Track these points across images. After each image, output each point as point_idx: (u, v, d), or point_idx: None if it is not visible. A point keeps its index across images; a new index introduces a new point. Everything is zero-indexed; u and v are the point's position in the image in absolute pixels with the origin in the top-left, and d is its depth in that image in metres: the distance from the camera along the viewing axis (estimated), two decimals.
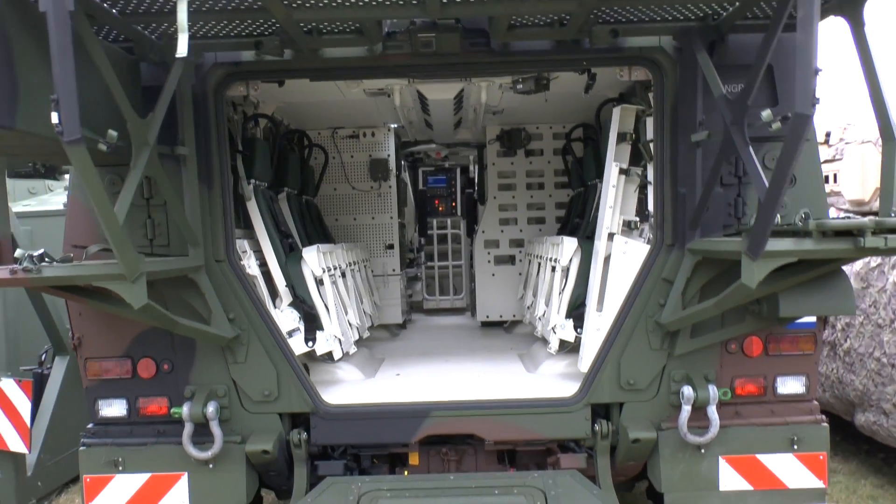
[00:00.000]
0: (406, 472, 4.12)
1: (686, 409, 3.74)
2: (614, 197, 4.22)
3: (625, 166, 4.33)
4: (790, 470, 3.87)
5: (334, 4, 3.00)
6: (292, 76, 3.85)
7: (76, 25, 2.61)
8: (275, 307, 4.23)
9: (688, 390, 3.74)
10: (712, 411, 3.74)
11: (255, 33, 3.43)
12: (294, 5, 3.00)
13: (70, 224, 3.78)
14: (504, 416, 3.95)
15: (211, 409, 3.73)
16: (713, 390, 3.75)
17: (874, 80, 3.11)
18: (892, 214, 3.13)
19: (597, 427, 3.89)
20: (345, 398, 4.11)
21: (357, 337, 5.00)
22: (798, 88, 2.45)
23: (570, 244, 4.36)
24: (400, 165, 6.94)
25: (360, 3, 3.00)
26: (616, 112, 4.40)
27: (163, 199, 3.65)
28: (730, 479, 3.86)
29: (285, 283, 4.29)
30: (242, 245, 4.07)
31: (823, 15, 3.25)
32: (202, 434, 3.78)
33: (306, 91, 4.60)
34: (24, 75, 2.61)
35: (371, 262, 6.45)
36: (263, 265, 4.33)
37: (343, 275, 4.97)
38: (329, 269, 4.53)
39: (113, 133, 2.91)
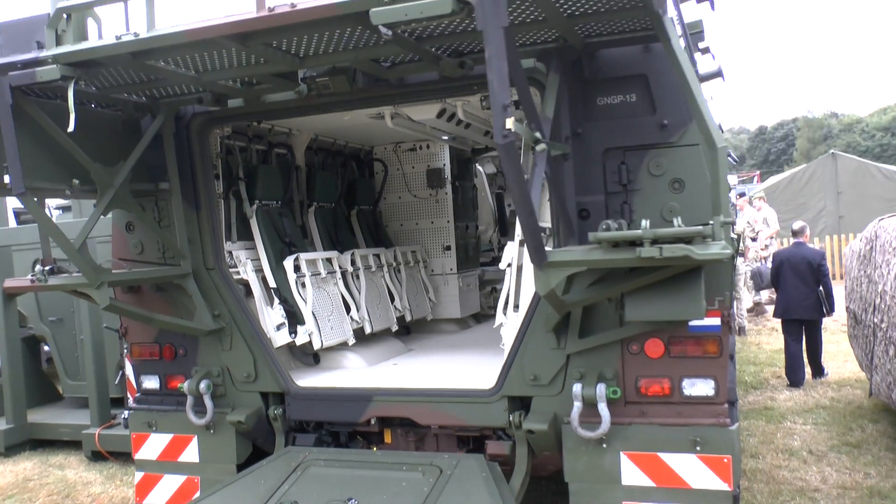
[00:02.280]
0: (375, 448, 4.80)
1: (577, 406, 3.96)
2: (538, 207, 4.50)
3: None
4: (693, 470, 3.91)
5: (225, 68, 3.78)
6: (249, 119, 4.71)
7: (23, 106, 3.64)
8: (271, 306, 5.13)
9: (577, 388, 3.97)
10: (602, 408, 3.93)
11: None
12: (198, 73, 3.82)
13: (114, 242, 4.99)
14: (435, 404, 4.46)
15: (203, 385, 4.73)
16: (601, 389, 3.93)
17: (689, 90, 3.19)
18: (722, 222, 3.22)
19: (511, 418, 4.26)
20: (314, 382, 4.90)
21: (369, 328, 5.81)
22: (494, 123, 2.74)
23: (510, 248, 4.69)
24: (469, 171, 7.52)
25: (243, 65, 3.74)
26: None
27: (168, 223, 4.72)
28: (632, 474, 4.00)
29: (274, 286, 5.17)
30: (239, 255, 5.03)
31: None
32: (203, 405, 4.80)
33: (328, 119, 5.45)
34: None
35: (430, 263, 7.14)
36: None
37: (356, 276, 5.79)
38: (318, 274, 5.35)
39: (76, 181, 3.98)
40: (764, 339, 12.62)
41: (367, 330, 5.84)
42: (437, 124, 5.54)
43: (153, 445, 5.03)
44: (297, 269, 5.24)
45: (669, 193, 3.80)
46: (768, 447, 6.85)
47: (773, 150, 62.04)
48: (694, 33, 4.88)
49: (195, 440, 4.92)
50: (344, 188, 6.66)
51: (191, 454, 4.93)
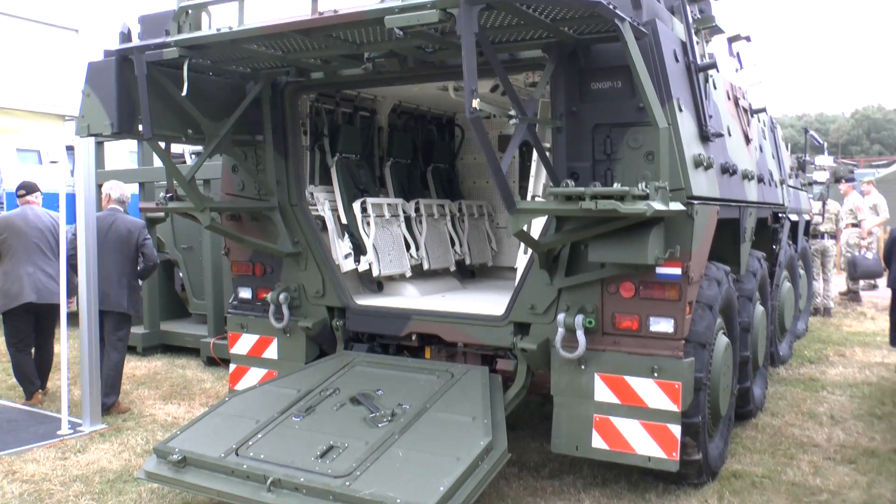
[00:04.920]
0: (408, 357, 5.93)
1: (560, 331, 4.90)
2: (536, 168, 5.44)
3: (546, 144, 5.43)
4: (650, 392, 4.77)
5: (302, 51, 4.91)
6: (329, 88, 5.88)
7: (154, 75, 4.91)
8: (341, 239, 6.32)
9: (561, 316, 4.90)
10: (580, 335, 4.84)
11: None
12: (283, 53, 4.98)
13: (223, 180, 6.31)
14: (458, 325, 5.51)
15: (282, 297, 5.99)
16: (579, 319, 4.85)
17: (640, 82, 4.06)
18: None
19: (515, 340, 5.25)
20: (369, 302, 6.06)
21: (427, 265, 6.92)
22: (465, 103, 3.73)
23: None
24: None
25: (315, 49, 4.86)
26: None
27: (263, 167, 5.97)
28: (602, 392, 4.91)
29: (345, 223, 6.34)
30: (319, 196, 6.24)
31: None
32: (282, 313, 6.06)
33: (404, 90, 6.57)
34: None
35: (496, 217, 8.16)
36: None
37: (419, 221, 6.93)
38: (382, 216, 6.52)
39: (189, 131, 5.27)
40: (846, 322, 12.80)
41: (426, 266, 6.96)
42: (492, 99, 6.49)
43: (244, 343, 6.37)
44: (364, 210, 6.41)
45: (644, 163, 4.64)
46: (792, 410, 7.41)
47: None
48: (707, 27, 5.62)
49: (275, 341, 6.21)
50: (420, 147, 7.76)
51: (271, 352, 6.24)
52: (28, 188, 7.57)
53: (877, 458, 5.99)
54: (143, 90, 4.72)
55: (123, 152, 12.64)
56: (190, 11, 4.62)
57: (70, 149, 7.25)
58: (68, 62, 6.29)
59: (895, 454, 6.07)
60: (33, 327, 7.43)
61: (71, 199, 6.60)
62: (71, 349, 7.21)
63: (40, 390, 7.50)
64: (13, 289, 7.18)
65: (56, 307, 7.09)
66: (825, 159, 12.84)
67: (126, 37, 4.94)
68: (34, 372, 7.47)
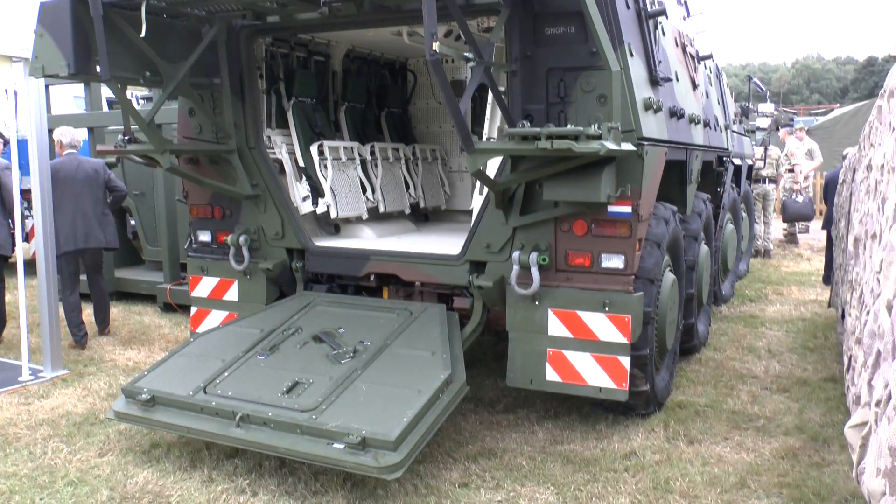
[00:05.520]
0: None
1: (515, 268, 5.09)
2: (491, 111, 5.62)
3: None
4: (601, 326, 5.02)
5: None
6: (284, 32, 5.89)
7: (111, 16, 4.88)
8: (299, 182, 6.39)
9: (516, 254, 5.09)
10: (535, 272, 5.04)
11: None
12: None
13: (179, 124, 6.29)
14: (415, 265, 5.67)
15: (242, 239, 6.06)
16: (533, 256, 5.05)
17: (592, 27, 4.19)
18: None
19: (471, 278, 5.44)
20: (328, 243, 6.18)
21: (383, 208, 7.05)
22: (426, 46, 3.83)
23: None
24: None
25: None
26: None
27: (220, 110, 5.97)
28: (556, 327, 5.14)
29: (302, 166, 6.41)
30: (276, 139, 6.28)
31: None
32: (242, 255, 6.14)
33: (357, 34, 6.59)
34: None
35: (449, 161, 8.28)
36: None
37: (374, 164, 7.02)
38: (339, 159, 6.60)
39: (147, 73, 5.25)
40: (785, 263, 13.35)
41: (381, 209, 7.08)
42: (448, 43, 6.57)
43: (204, 286, 6.44)
44: (321, 153, 6.47)
45: (596, 105, 4.80)
46: (733, 345, 7.82)
47: (880, 84, 59.63)
48: None
49: (235, 283, 6.30)
50: (374, 92, 7.81)
51: (232, 294, 6.33)
52: None
53: (808, 387, 6.40)
54: (99, 32, 4.68)
55: (68, 97, 12.33)
56: None
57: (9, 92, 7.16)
58: (17, 1, 6.15)
59: (825, 382, 6.49)
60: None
61: (21, 144, 6.52)
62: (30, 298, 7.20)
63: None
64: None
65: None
66: (767, 107, 13.20)
67: None
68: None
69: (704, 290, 7.57)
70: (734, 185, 9.87)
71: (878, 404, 2.35)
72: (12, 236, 7.28)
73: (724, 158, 8.61)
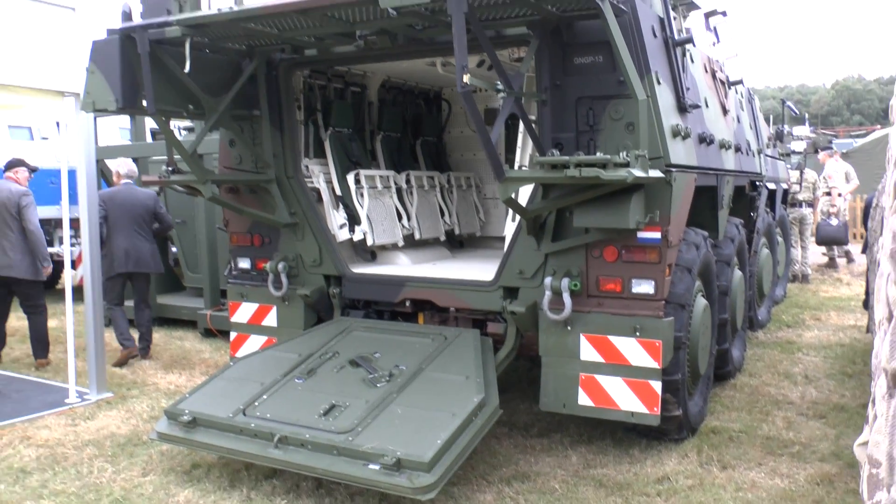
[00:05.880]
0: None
1: (547, 294, 5.17)
2: (522, 139, 5.72)
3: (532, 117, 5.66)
4: (632, 350, 5.07)
5: (297, 29, 5.10)
6: (322, 65, 6.08)
7: (157, 53, 5.11)
8: (336, 210, 6.56)
9: (548, 280, 5.18)
10: (566, 297, 5.11)
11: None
12: (280, 31, 5.17)
13: (220, 154, 6.51)
14: (450, 291, 5.78)
15: (281, 266, 6.22)
16: (565, 282, 5.12)
17: (620, 58, 4.30)
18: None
19: (504, 304, 5.53)
20: (365, 270, 6.32)
21: (418, 235, 7.17)
22: (457, 78, 3.97)
23: None
24: None
25: (311, 27, 5.06)
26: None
27: (260, 141, 6.18)
28: (588, 351, 5.20)
29: (339, 194, 6.58)
30: (314, 168, 6.46)
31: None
32: (280, 282, 6.30)
33: (392, 65, 6.77)
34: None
35: (483, 188, 8.42)
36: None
37: (410, 192, 7.16)
38: (375, 187, 6.75)
39: (190, 106, 5.47)
40: (823, 288, 13.17)
41: (417, 236, 7.22)
42: (480, 73, 6.72)
43: (244, 312, 6.62)
44: (357, 181, 6.64)
45: (625, 133, 4.90)
46: (769, 370, 7.76)
47: None
48: (684, 3, 5.87)
49: (274, 309, 6.46)
50: (409, 121, 7.99)
51: (270, 320, 6.49)
52: (8, 165, 8.01)
53: (846, 413, 6.34)
54: (146, 67, 4.91)
55: (114, 128, 12.76)
56: None
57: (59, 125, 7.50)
58: (66, 39, 6.44)
59: (863, 409, 6.42)
60: (5, 297, 7.97)
61: (70, 175, 6.79)
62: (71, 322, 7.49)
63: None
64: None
65: (24, 281, 7.69)
66: (803, 129, 13.18)
67: (128, 16, 5.12)
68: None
69: (739, 315, 7.55)
70: (769, 210, 9.84)
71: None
72: (38, 262, 7.65)
73: (758, 183, 8.61)
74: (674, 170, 4.91)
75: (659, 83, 4.91)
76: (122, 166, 8.27)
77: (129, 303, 8.36)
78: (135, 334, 8.28)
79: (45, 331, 7.93)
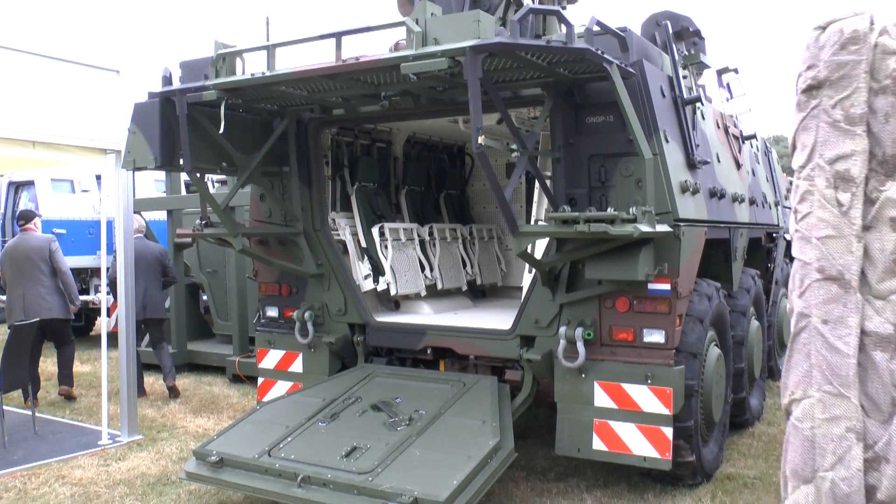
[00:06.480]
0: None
1: (562, 343, 5.36)
2: (538, 194, 5.97)
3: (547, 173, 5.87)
4: (644, 397, 5.22)
5: (325, 91, 5.44)
6: (349, 125, 6.43)
7: (193, 114, 5.46)
8: (361, 261, 6.83)
9: (562, 329, 5.38)
10: (580, 346, 5.29)
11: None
12: (309, 93, 5.51)
13: (251, 208, 6.85)
14: (469, 339, 5.99)
15: (307, 315, 6.48)
16: (578, 331, 5.31)
17: (627, 117, 4.56)
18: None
19: (521, 352, 5.72)
20: (388, 319, 6.55)
21: (440, 285, 7.41)
22: (472, 139, 4.26)
23: None
24: None
25: (337, 90, 5.39)
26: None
27: (289, 196, 6.50)
28: (601, 398, 5.36)
29: (364, 246, 6.86)
30: (340, 221, 6.76)
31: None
32: (306, 330, 6.55)
33: (416, 123, 7.13)
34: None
35: (505, 239, 8.67)
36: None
37: (433, 244, 7.43)
38: (399, 239, 7.02)
39: (224, 164, 5.81)
40: None
41: (439, 286, 7.46)
42: (498, 130, 7.01)
43: (271, 358, 6.87)
44: (382, 234, 6.93)
45: (635, 189, 5.13)
46: None
47: None
48: (694, 63, 6.15)
49: (300, 356, 6.70)
50: (433, 175, 8.31)
51: (296, 366, 6.73)
52: (26, 217, 8.54)
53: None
54: (183, 128, 5.27)
55: (149, 181, 13.26)
56: (226, 58, 5.18)
57: (98, 178, 7.91)
58: (110, 100, 6.88)
59: None
60: (41, 340, 8.37)
61: (106, 225, 7.18)
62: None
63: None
64: (11, 309, 8.26)
65: (57, 320, 8.22)
66: None
67: (167, 80, 5.50)
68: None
69: (756, 364, 7.64)
70: (788, 261, 9.94)
71: None
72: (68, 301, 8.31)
73: (774, 234, 8.75)
74: (682, 224, 5.11)
75: (667, 141, 5.14)
76: (133, 222, 8.73)
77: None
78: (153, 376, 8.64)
79: (71, 361, 8.56)
